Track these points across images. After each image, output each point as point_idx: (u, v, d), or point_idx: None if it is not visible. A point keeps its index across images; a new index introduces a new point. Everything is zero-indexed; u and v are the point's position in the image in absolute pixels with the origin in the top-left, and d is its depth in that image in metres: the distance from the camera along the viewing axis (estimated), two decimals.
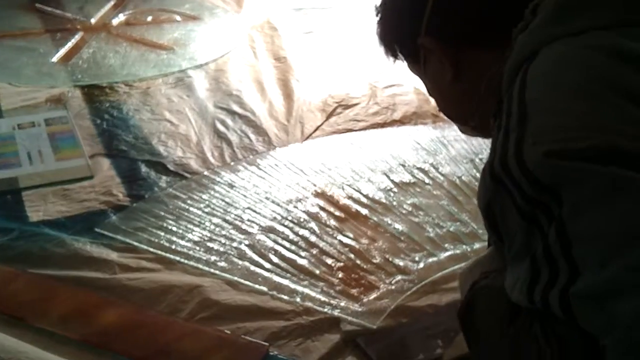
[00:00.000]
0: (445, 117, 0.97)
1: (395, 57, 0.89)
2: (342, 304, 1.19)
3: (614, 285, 0.53)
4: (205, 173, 1.54)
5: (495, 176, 0.64)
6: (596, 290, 0.55)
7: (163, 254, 1.27)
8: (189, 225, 1.36)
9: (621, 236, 0.54)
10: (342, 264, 1.28)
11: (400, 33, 0.86)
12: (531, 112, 0.62)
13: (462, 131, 0.95)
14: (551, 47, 0.65)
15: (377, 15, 0.88)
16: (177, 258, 1.26)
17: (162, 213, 1.39)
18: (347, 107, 1.89)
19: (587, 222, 0.56)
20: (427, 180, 1.56)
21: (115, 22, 2.34)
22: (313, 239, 1.34)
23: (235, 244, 1.31)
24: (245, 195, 1.47)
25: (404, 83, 2.02)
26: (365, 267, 1.28)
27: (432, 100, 1.89)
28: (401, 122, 1.84)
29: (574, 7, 0.66)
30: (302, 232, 1.36)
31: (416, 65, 0.87)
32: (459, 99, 0.85)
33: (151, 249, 1.28)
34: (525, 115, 0.62)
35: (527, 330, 0.65)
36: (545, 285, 0.59)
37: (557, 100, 0.62)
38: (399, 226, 1.39)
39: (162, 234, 1.32)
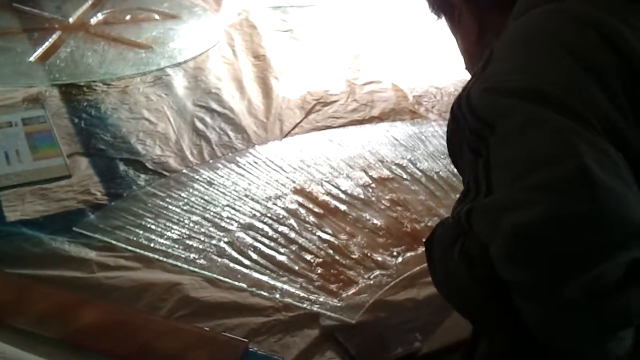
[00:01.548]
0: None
1: (438, 15, 0.97)
2: (321, 299, 1.19)
3: (509, 201, 0.61)
4: (184, 171, 1.54)
5: (454, 114, 0.72)
6: (494, 204, 0.63)
7: (142, 252, 1.27)
8: (168, 223, 1.35)
9: (527, 162, 0.62)
10: (321, 259, 1.29)
11: None
12: (492, 59, 0.71)
13: None
14: (538, 8, 0.74)
15: None
16: (156, 256, 1.26)
17: (141, 211, 1.39)
18: (326, 104, 1.90)
19: (504, 150, 0.64)
20: (405, 176, 1.57)
21: (93, 21, 2.33)
22: (292, 235, 1.35)
23: (214, 242, 1.32)
24: (224, 193, 1.47)
25: (383, 80, 2.03)
26: (344, 262, 1.29)
27: (410, 97, 1.95)
28: (379, 118, 1.85)
29: None
30: (281, 228, 1.36)
31: (450, 23, 0.96)
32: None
33: (130, 248, 1.28)
34: (489, 61, 0.71)
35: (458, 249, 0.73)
36: (466, 203, 0.66)
37: (510, 49, 0.71)
38: (377, 221, 1.40)
39: (141, 232, 1.32)
